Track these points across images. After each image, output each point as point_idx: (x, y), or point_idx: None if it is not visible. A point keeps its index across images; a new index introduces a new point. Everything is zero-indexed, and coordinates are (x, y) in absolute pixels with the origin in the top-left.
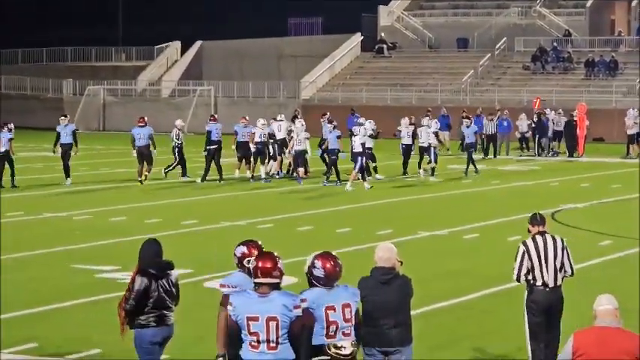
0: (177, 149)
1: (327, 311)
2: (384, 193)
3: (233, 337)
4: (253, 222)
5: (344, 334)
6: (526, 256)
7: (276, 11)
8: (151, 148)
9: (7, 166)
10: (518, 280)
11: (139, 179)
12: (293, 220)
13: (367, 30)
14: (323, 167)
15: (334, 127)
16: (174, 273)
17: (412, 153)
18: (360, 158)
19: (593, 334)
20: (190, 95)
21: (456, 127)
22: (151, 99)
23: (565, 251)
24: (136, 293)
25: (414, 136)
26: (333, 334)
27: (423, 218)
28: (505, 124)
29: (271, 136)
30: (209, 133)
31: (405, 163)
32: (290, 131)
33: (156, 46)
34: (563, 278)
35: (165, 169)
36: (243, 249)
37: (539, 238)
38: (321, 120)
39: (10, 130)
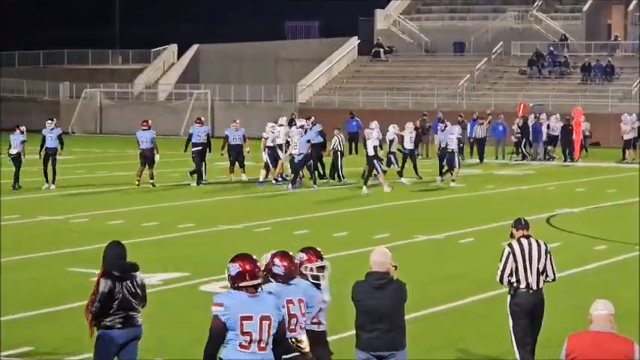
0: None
1: (288, 305)
2: (380, 197)
3: (219, 338)
4: (250, 225)
5: (301, 327)
6: (511, 257)
7: (273, 14)
8: (154, 152)
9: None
10: (501, 281)
11: (137, 179)
12: (290, 223)
13: (364, 34)
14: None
15: (305, 132)
16: (140, 274)
17: (419, 157)
18: (375, 162)
19: (587, 337)
20: (187, 99)
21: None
22: (148, 102)
23: (548, 255)
24: (100, 295)
25: (417, 142)
26: (293, 327)
27: (420, 222)
28: (500, 128)
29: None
30: (190, 135)
31: (402, 168)
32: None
33: (153, 49)
34: (544, 282)
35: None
36: (303, 256)
37: (524, 241)
38: (292, 124)
39: (22, 133)
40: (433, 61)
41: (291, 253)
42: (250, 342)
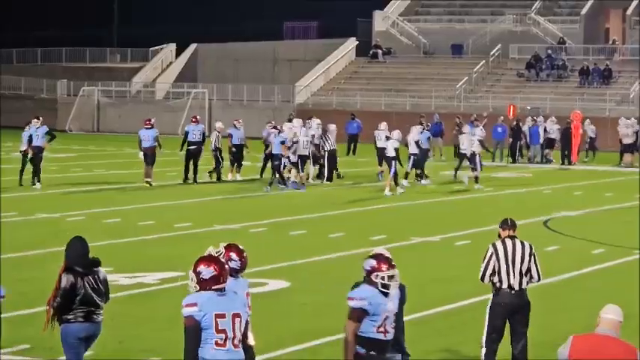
0: (218, 152)
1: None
2: (377, 199)
3: (197, 339)
4: (246, 225)
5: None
6: (494, 257)
7: (271, 15)
8: (157, 150)
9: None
10: (482, 279)
11: (147, 180)
12: (286, 224)
13: (362, 35)
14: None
15: (279, 132)
16: (102, 270)
17: (430, 159)
18: (393, 162)
19: (591, 339)
20: (184, 98)
21: (449, 134)
22: (146, 101)
23: (533, 257)
24: (62, 291)
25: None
26: None
27: (416, 224)
28: (500, 130)
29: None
30: (186, 134)
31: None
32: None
33: (151, 48)
34: (528, 283)
35: (208, 172)
36: (373, 263)
37: (508, 242)
38: (267, 125)
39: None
40: (431, 63)
41: (241, 247)
42: (225, 340)
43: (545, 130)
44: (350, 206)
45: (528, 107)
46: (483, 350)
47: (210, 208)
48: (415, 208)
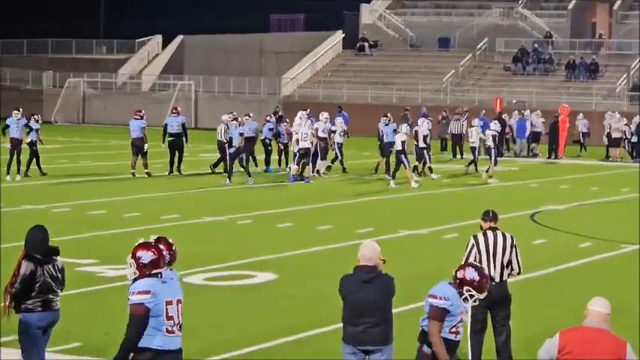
0: (225, 144)
1: None
2: (365, 191)
3: (144, 327)
4: (234, 217)
5: None
6: (474, 249)
7: (258, 7)
8: (144, 141)
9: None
10: None
11: (132, 170)
12: (273, 216)
13: (349, 28)
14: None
15: (239, 125)
16: (60, 259)
17: (431, 154)
18: (402, 156)
19: (580, 333)
20: (171, 90)
21: (436, 127)
22: (132, 92)
23: (514, 249)
24: (21, 277)
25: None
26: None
27: (404, 217)
28: (482, 123)
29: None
30: (165, 126)
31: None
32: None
33: (137, 40)
34: (509, 275)
35: (212, 165)
36: (475, 276)
37: (489, 234)
38: (231, 122)
39: (37, 121)
40: (418, 56)
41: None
42: (174, 326)
43: (531, 123)
44: (338, 199)
45: (514, 101)
46: (469, 342)
47: (197, 199)
48: (404, 201)
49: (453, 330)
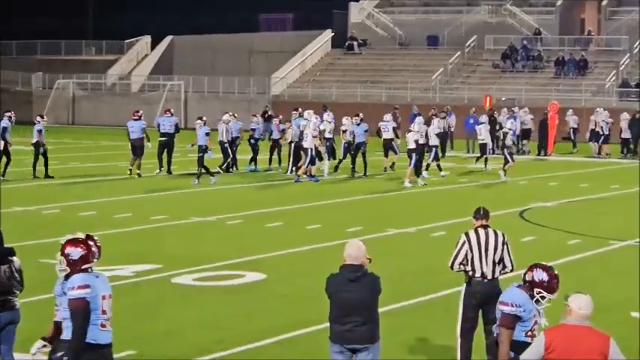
0: (226, 144)
1: None
2: (354, 190)
3: (87, 320)
4: (223, 217)
5: None
6: (466, 245)
7: (247, 6)
8: (145, 142)
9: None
10: (452, 267)
11: (130, 168)
12: (263, 216)
13: (338, 27)
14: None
15: (204, 124)
16: (17, 259)
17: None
18: (413, 155)
19: (564, 331)
20: (160, 90)
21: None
22: (121, 93)
23: (505, 246)
24: None
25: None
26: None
27: (392, 216)
28: (472, 121)
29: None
30: (158, 126)
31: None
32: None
33: (126, 41)
34: (501, 272)
35: (219, 166)
36: (544, 277)
37: (481, 231)
38: (197, 122)
39: (38, 122)
40: (407, 54)
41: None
42: (107, 320)
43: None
44: (326, 198)
45: (503, 98)
46: (459, 341)
47: (187, 200)
48: (391, 200)
49: (529, 334)
